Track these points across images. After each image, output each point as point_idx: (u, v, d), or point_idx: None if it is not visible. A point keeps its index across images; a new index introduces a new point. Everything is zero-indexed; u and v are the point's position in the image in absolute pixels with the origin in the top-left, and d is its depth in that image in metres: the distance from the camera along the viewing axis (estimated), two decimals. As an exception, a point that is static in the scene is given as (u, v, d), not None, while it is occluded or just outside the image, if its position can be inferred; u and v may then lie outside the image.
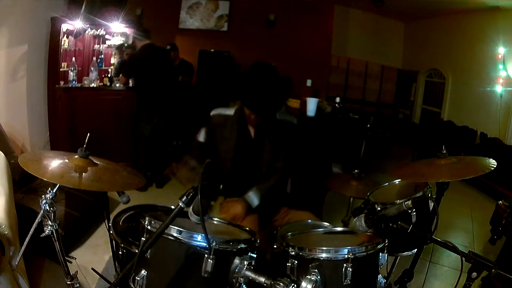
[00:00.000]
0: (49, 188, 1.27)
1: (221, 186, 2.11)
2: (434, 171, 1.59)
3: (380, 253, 1.40)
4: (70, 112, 4.14)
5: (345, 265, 1.29)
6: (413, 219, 1.42)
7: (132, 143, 4.15)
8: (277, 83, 1.89)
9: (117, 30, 5.11)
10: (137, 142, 4.06)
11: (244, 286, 1.24)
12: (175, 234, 1.20)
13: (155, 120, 3.97)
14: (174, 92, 4.32)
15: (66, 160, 1.34)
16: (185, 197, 1.10)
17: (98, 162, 1.40)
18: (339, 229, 1.70)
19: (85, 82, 4.35)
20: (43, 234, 1.29)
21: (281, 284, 1.17)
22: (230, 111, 2.07)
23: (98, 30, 4.89)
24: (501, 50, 5.33)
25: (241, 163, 2.05)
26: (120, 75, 4.16)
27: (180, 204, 1.10)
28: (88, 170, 1.33)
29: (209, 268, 1.16)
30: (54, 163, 1.33)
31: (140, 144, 4.04)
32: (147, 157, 4.08)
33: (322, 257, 1.32)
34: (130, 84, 4.29)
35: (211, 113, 2.10)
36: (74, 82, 4.24)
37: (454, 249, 1.26)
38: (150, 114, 3.95)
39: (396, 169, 1.78)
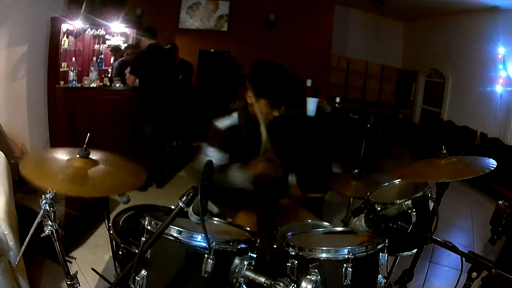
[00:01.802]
0: (49, 188, 1.27)
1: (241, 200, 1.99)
2: (434, 171, 1.59)
3: (380, 253, 1.40)
4: (70, 112, 4.14)
5: (345, 265, 1.29)
6: (413, 219, 1.42)
7: (132, 143, 4.14)
8: (292, 74, 1.89)
9: (117, 30, 5.11)
10: (138, 143, 4.05)
11: (244, 286, 1.24)
12: (175, 234, 1.20)
13: (157, 121, 3.96)
14: (175, 93, 4.32)
15: (66, 162, 1.33)
16: (185, 197, 1.10)
17: (99, 161, 1.38)
18: (339, 229, 1.70)
19: (85, 82, 4.35)
20: (43, 234, 1.29)
21: (281, 284, 1.17)
22: (234, 119, 1.95)
23: (98, 30, 4.89)
24: (501, 50, 5.33)
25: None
26: (128, 74, 4.13)
27: (180, 204, 1.10)
28: (88, 173, 1.31)
29: (209, 268, 1.16)
30: (55, 168, 1.32)
31: (141, 145, 4.03)
32: (147, 157, 4.07)
33: (322, 257, 1.32)
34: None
35: (220, 127, 1.90)
36: (74, 82, 4.24)
37: (454, 249, 1.26)
38: (152, 114, 3.94)
39: (396, 169, 1.78)
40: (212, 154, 1.88)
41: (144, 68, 3.93)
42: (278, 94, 1.83)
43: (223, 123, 1.94)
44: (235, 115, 1.97)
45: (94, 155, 1.38)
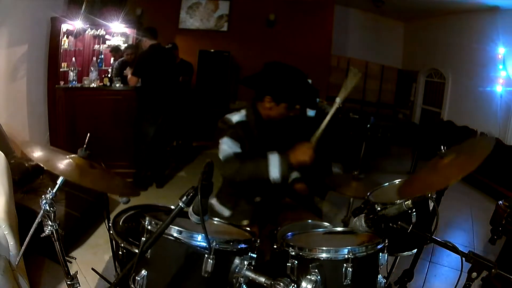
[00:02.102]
0: (49, 188, 1.27)
1: (256, 199, 1.98)
2: (441, 176, 1.54)
3: (380, 253, 1.40)
4: (70, 112, 4.14)
5: (345, 265, 1.29)
6: (413, 219, 1.42)
7: (133, 143, 4.14)
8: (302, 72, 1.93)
9: (117, 30, 5.11)
10: (140, 143, 4.05)
11: (244, 286, 1.24)
12: (175, 234, 1.20)
13: (159, 121, 3.98)
14: (177, 93, 4.32)
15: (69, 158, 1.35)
16: (185, 197, 1.10)
17: (97, 167, 1.41)
18: (339, 229, 1.70)
19: (85, 82, 4.35)
20: (43, 234, 1.29)
21: (281, 284, 1.17)
22: (242, 116, 1.94)
23: (98, 30, 4.89)
24: (501, 50, 5.33)
25: None
26: (129, 76, 4.13)
27: (180, 204, 1.10)
28: (88, 169, 1.34)
29: (209, 268, 1.16)
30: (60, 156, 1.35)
31: (143, 145, 4.03)
32: (148, 157, 4.08)
33: (322, 257, 1.32)
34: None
35: (234, 121, 1.89)
36: (74, 82, 4.24)
37: (454, 249, 1.26)
38: (155, 114, 3.96)
39: (403, 186, 1.72)
40: (228, 143, 1.84)
41: (147, 69, 3.94)
42: (299, 98, 1.91)
43: (234, 117, 1.93)
44: (243, 112, 1.98)
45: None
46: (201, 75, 6.19)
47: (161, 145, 4.18)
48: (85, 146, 1.37)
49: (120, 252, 1.63)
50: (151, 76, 3.93)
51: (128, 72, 4.31)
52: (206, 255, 1.16)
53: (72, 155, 1.36)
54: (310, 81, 5.89)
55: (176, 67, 4.60)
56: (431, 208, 1.68)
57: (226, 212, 1.98)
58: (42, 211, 1.26)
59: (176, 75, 4.53)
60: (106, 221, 1.82)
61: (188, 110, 5.27)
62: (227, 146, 1.82)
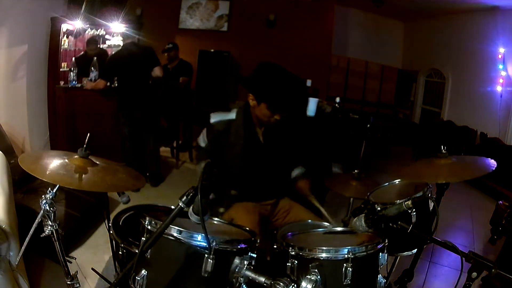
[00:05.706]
0: (49, 188, 1.27)
1: (232, 193, 2.03)
2: (433, 172, 1.58)
3: (380, 253, 1.40)
4: (70, 112, 4.14)
5: (345, 265, 1.29)
6: (413, 219, 1.42)
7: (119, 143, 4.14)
8: (297, 79, 1.89)
9: (117, 30, 5.11)
10: (122, 141, 4.07)
11: (244, 286, 1.24)
12: (175, 234, 1.20)
13: (136, 117, 3.95)
14: (152, 90, 4.19)
15: (66, 161, 1.34)
16: (185, 197, 1.10)
17: (98, 162, 1.40)
18: (339, 229, 1.70)
19: (85, 82, 4.34)
20: (43, 234, 1.29)
21: (281, 284, 1.17)
22: (231, 115, 1.98)
23: (98, 30, 4.88)
24: (501, 50, 5.34)
25: (251, 168, 1.99)
26: (98, 80, 4.06)
27: (180, 204, 1.10)
28: (88, 171, 1.33)
29: (209, 268, 1.16)
30: (54, 163, 1.33)
31: (123, 143, 4.05)
32: (135, 156, 4.08)
33: (322, 257, 1.32)
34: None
35: (212, 121, 1.98)
36: (74, 82, 4.24)
37: (454, 249, 1.26)
38: (129, 112, 3.94)
39: (396, 168, 1.78)
40: (203, 134, 2.06)
41: (118, 69, 3.91)
42: (278, 101, 1.82)
43: (224, 116, 1.99)
44: (233, 113, 2.00)
45: (94, 160, 1.40)
46: (201, 75, 6.18)
47: (146, 144, 4.14)
48: (85, 146, 1.37)
49: (120, 252, 1.63)
50: (124, 74, 3.90)
51: (87, 85, 4.17)
52: (206, 255, 1.16)
53: (71, 157, 1.36)
54: (309, 81, 5.93)
55: (154, 63, 4.15)
56: (431, 208, 1.68)
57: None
58: (42, 211, 1.26)
59: (147, 72, 4.12)
60: (106, 221, 1.82)
61: (188, 110, 5.26)
62: (201, 136, 2.07)
